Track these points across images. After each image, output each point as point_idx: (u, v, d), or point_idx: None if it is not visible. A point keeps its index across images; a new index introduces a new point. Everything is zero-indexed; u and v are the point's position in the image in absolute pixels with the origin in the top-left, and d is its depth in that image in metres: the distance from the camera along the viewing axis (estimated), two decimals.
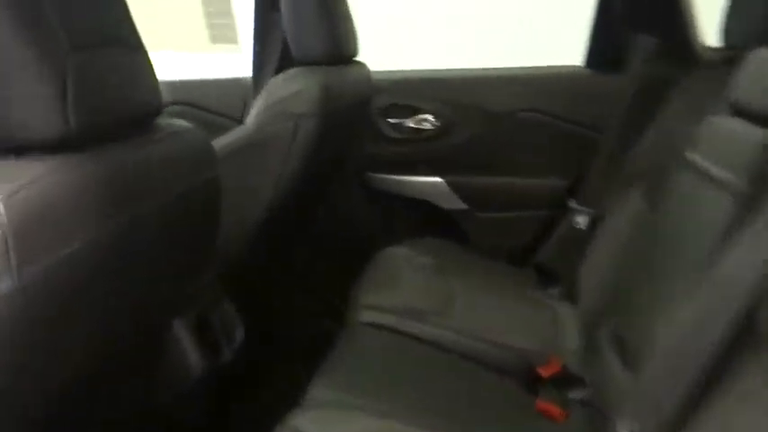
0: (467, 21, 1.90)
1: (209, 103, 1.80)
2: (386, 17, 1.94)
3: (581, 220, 1.41)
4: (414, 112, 1.56)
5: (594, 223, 1.34)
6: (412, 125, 1.57)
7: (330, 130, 1.14)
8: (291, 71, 1.20)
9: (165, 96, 1.76)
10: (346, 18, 1.24)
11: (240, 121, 1.76)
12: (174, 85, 1.80)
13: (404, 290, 1.23)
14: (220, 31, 2.42)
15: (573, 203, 1.43)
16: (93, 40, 0.56)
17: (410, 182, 1.61)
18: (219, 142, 1.10)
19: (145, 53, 0.65)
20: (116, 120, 0.60)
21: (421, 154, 1.59)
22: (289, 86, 1.15)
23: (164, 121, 0.71)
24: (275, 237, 1.24)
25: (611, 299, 1.00)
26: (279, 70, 1.49)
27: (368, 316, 1.11)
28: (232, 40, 2.39)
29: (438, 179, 1.59)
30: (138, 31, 0.65)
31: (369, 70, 1.35)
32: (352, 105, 1.26)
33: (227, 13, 2.36)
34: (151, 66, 0.66)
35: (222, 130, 1.77)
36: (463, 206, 1.59)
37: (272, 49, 1.51)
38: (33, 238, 0.49)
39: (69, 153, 0.54)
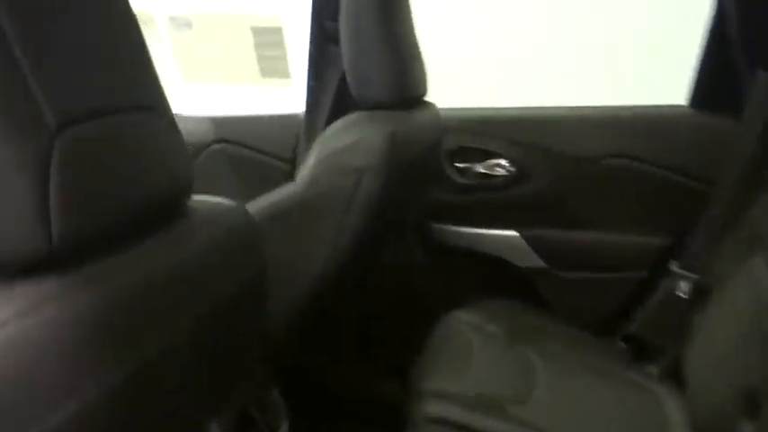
0: (547, 52, 1.79)
1: (257, 141, 1.75)
2: (454, 47, 1.84)
3: (683, 287, 1.26)
4: (484, 155, 1.46)
5: (701, 292, 1.20)
6: (482, 170, 1.46)
7: (395, 185, 1.04)
8: (351, 117, 1.10)
9: (208, 134, 1.73)
10: (415, 54, 1.15)
11: (289, 161, 1.72)
12: (218, 121, 1.77)
13: (474, 369, 1.11)
14: (271, 64, 2.40)
15: (674, 266, 1.29)
16: (95, 108, 0.44)
17: (479, 235, 1.50)
18: (267, 200, 1.01)
19: (170, 116, 0.54)
20: (127, 215, 0.47)
21: (492, 203, 1.47)
22: (348, 135, 1.05)
23: (196, 201, 0.59)
24: (327, 303, 1.14)
25: (739, 398, 0.85)
26: (335, 109, 1.42)
27: (434, 407, 0.98)
28: (284, 74, 2.35)
29: (512, 232, 1.46)
30: (162, 90, 0.53)
31: (438, 112, 1.25)
32: (420, 155, 1.16)
33: (278, 44, 2.33)
34: (178, 132, 0.54)
35: (270, 169, 1.73)
36: (541, 264, 1.46)
37: (328, 85, 1.43)
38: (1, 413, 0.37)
39: (54, 275, 0.41)
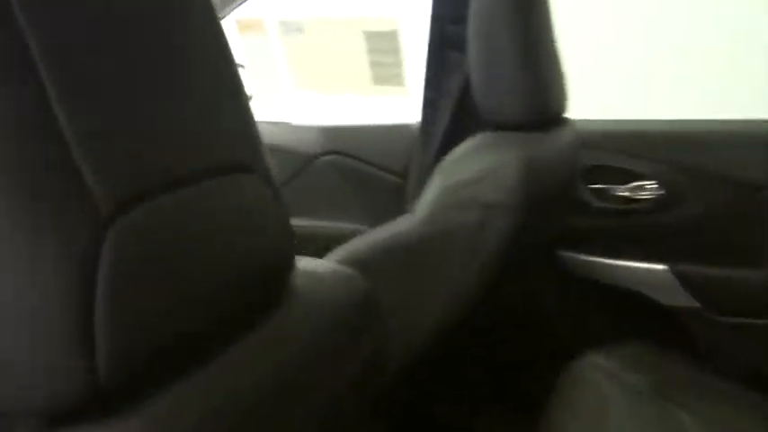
0: (708, 54, 1.59)
1: (367, 152, 1.70)
2: (594, 47, 1.69)
3: None
4: (626, 176, 1.31)
5: None
6: (623, 193, 1.31)
7: (530, 222, 0.92)
8: (478, 140, 1.00)
9: (317, 144, 1.71)
10: (556, 64, 1.03)
11: (401, 175, 1.65)
12: (327, 131, 1.74)
13: (612, 427, 0.99)
14: (385, 71, 2.35)
15: None
16: (167, 177, 0.33)
17: (618, 267, 1.35)
18: (381, 235, 0.92)
19: (267, 174, 0.42)
20: (208, 321, 0.36)
21: (635, 231, 1.32)
22: (476, 163, 0.94)
23: (299, 273, 0.47)
24: (451, 337, 1.05)
25: None
26: (453, 122, 1.33)
27: None
28: (398, 81, 2.29)
29: (659, 266, 1.31)
30: (258, 139, 0.42)
31: (576, 130, 1.12)
32: (560, 184, 1.04)
33: (394, 50, 2.27)
34: (277, 193, 0.43)
35: (380, 183, 1.68)
36: (693, 304, 1.29)
37: (447, 96, 1.34)
38: None
39: (101, 422, 0.31)
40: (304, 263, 0.49)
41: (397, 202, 1.61)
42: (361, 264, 0.85)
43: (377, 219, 1.66)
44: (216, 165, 0.37)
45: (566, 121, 1.10)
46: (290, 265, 0.45)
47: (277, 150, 1.74)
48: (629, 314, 1.37)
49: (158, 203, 0.33)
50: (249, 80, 2.49)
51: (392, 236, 0.90)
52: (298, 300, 0.46)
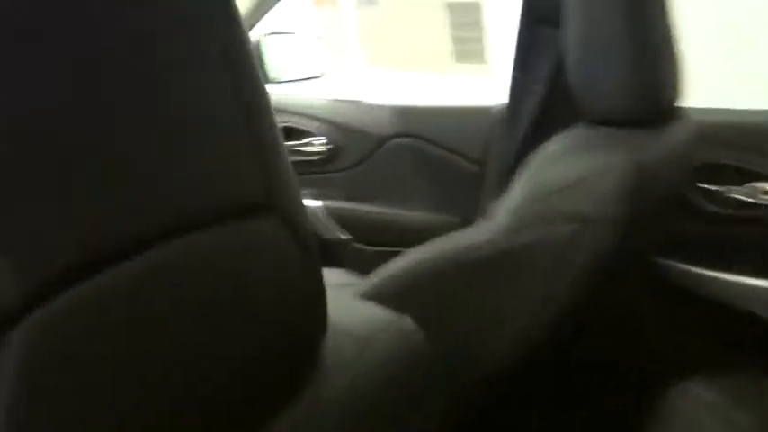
0: None
1: (443, 136, 1.61)
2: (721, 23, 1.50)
3: None
4: (744, 176, 1.13)
5: None
6: (740, 197, 1.14)
7: (634, 236, 0.79)
8: (575, 135, 0.87)
9: (389, 126, 1.63)
10: (669, 48, 0.88)
11: (478, 162, 1.55)
12: (401, 112, 1.66)
13: None
14: (466, 47, 2.23)
15: None
16: (128, 240, 0.23)
17: (727, 281, 1.18)
18: (458, 243, 0.80)
19: (289, 218, 0.32)
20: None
21: (750, 242, 1.16)
22: (571, 166, 0.81)
23: (333, 332, 0.37)
24: (537, 354, 0.94)
25: None
26: (544, 108, 1.20)
27: None
28: (480, 59, 2.16)
29: None
30: (280, 172, 0.32)
31: (693, 122, 0.96)
32: (671, 187, 0.90)
33: (476, 24, 2.14)
34: (305, 241, 0.33)
35: (455, 169, 1.58)
36: None
37: (536, 78, 1.21)
38: None
39: None
40: (340, 312, 0.38)
41: (473, 191, 1.52)
42: (431, 278, 0.75)
43: (450, 208, 1.57)
44: (211, 210, 0.27)
45: (680, 112, 0.95)
46: (321, 329, 0.35)
47: (348, 130, 1.68)
48: (736, 336, 1.21)
49: (105, 279, 0.22)
50: (324, 55, 2.43)
51: (468, 247, 0.78)
52: (329, 369, 0.35)
